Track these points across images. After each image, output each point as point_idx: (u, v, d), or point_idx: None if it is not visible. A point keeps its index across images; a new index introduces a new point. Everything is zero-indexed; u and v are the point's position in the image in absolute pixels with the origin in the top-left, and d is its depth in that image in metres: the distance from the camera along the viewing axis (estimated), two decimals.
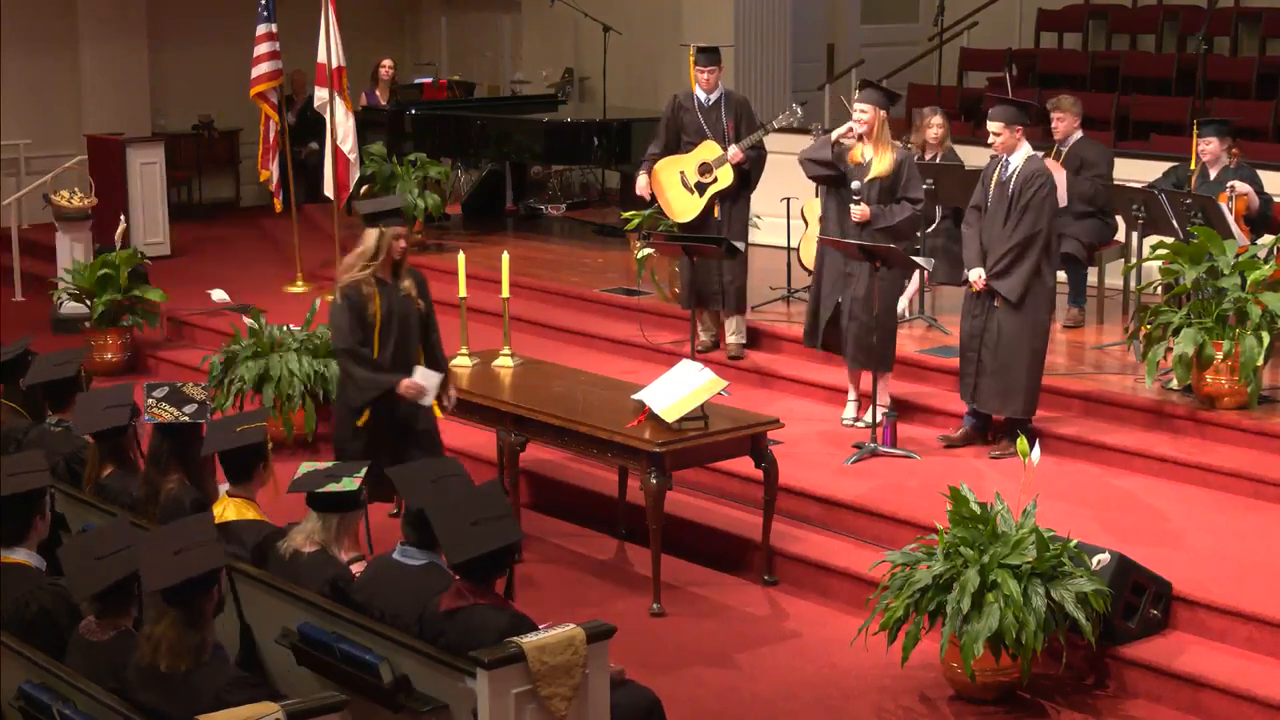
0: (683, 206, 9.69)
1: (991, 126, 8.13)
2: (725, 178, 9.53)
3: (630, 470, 7.95)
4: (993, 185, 8.18)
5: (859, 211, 8.53)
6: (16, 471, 5.97)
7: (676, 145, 9.68)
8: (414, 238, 12.87)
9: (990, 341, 8.23)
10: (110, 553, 5.20)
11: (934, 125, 9.84)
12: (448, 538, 5.42)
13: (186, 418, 6.55)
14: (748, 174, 9.65)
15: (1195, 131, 9.41)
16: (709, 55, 9.54)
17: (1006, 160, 8.15)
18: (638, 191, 9.92)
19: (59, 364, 7.55)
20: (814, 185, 9.63)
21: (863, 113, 8.58)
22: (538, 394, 8.22)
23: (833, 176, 8.71)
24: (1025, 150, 8.15)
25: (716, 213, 9.60)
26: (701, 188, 9.67)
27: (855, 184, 8.76)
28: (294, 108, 14.64)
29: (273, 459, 6.74)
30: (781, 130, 10.50)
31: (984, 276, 8.15)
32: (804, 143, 10.40)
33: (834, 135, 9.07)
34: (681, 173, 9.66)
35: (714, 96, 9.64)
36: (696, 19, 14.50)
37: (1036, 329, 8.30)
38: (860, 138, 8.59)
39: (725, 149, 9.58)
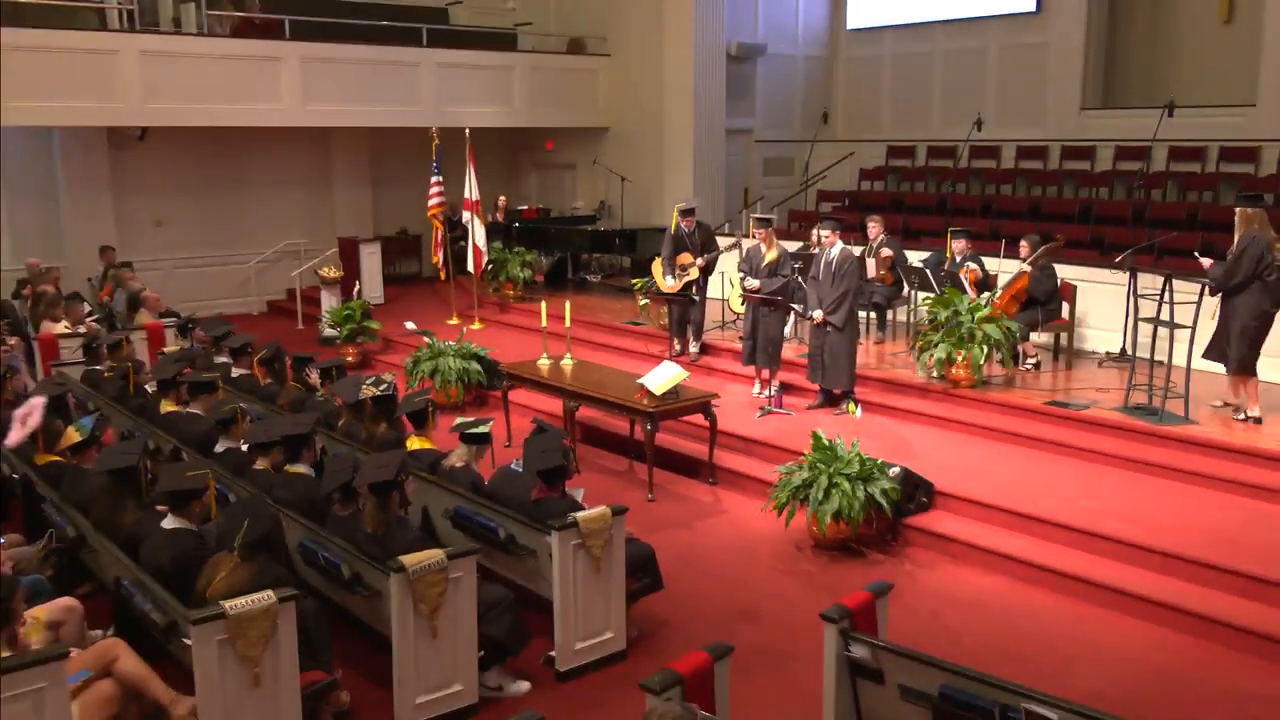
0: (668, 286, 12.22)
1: (823, 232, 10.50)
2: (694, 274, 12.10)
3: (636, 421, 9.52)
4: (822, 264, 10.38)
5: (753, 285, 10.73)
6: (300, 427, 7.25)
7: (676, 253, 12.07)
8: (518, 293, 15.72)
9: (827, 349, 10.35)
10: (343, 467, 6.61)
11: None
12: (528, 459, 6.83)
13: (386, 391, 8.40)
14: (707, 267, 12.20)
15: (950, 236, 11.81)
16: (687, 213, 12.07)
17: (829, 251, 10.33)
18: (665, 288, 11.95)
19: (334, 362, 9.77)
20: (735, 264, 11.96)
21: (758, 232, 10.90)
22: (585, 379, 9.93)
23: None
24: (840, 244, 10.40)
25: (694, 290, 12.07)
26: (680, 277, 12.15)
27: (742, 274, 10.84)
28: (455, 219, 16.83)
29: (438, 415, 8.15)
30: (718, 233, 12.95)
31: (821, 314, 10.26)
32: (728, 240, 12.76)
33: (746, 248, 11.14)
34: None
35: (690, 228, 12.09)
36: (674, 172, 18.55)
37: (851, 341, 10.43)
38: (762, 244, 10.80)
39: (695, 257, 12.03)
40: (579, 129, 19.65)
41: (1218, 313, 9.29)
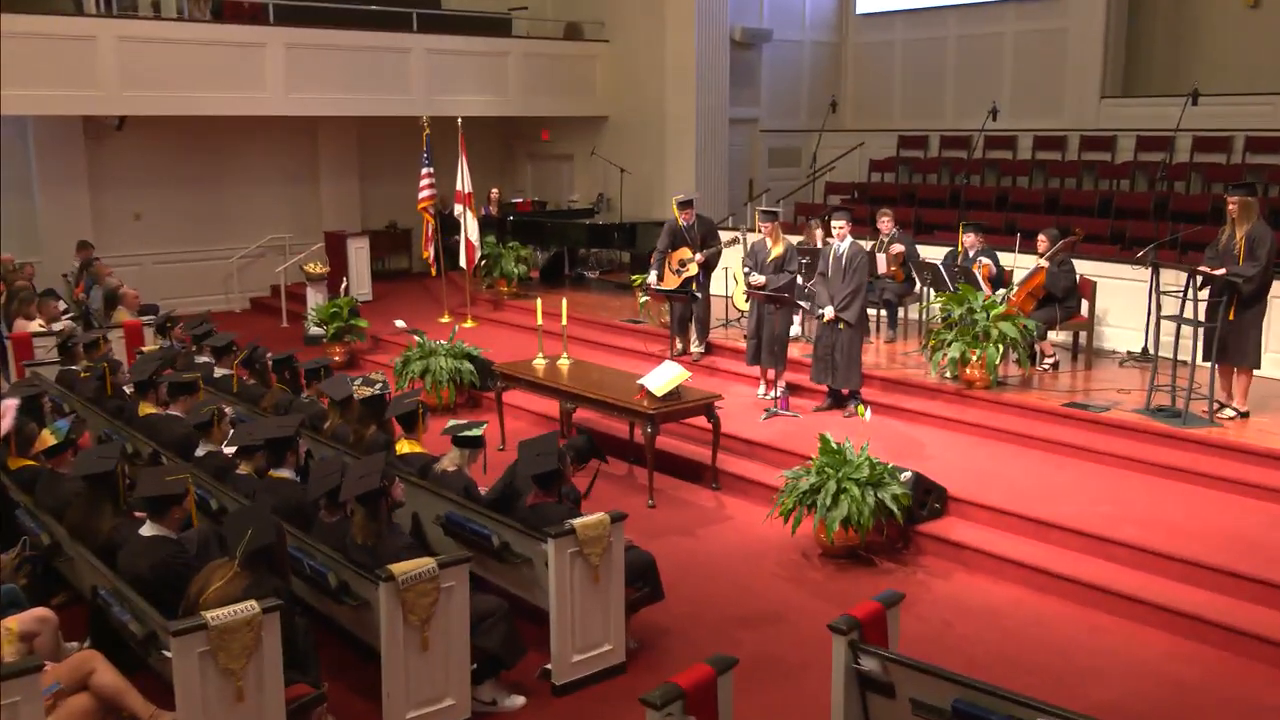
0: (668, 282, 12.35)
1: (837, 223, 10.51)
2: (693, 270, 12.24)
3: (636, 423, 9.65)
4: (831, 259, 10.58)
5: (758, 281, 10.92)
6: (281, 429, 7.28)
7: (673, 247, 12.26)
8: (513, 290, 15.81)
9: (839, 348, 10.48)
10: (330, 471, 6.71)
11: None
12: (521, 463, 6.99)
13: (379, 391, 8.50)
14: (708, 263, 12.39)
15: (961, 229, 11.89)
16: (686, 206, 12.20)
17: (839, 245, 10.44)
18: (651, 284, 12.30)
19: (321, 363, 9.94)
20: (739, 259, 12.36)
21: (763, 226, 11.11)
22: (582, 380, 10.13)
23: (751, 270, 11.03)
24: (850, 238, 10.55)
25: (695, 287, 12.17)
26: (679, 273, 12.31)
27: (747, 270, 11.05)
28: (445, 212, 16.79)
29: (429, 417, 8.42)
30: (721, 226, 13.22)
31: (833, 311, 10.43)
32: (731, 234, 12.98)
33: (751, 242, 11.28)
34: (667, 263, 12.37)
35: (690, 221, 12.15)
36: (675, 163, 18.19)
37: (861, 338, 10.66)
38: (767, 238, 11.05)
39: (694, 253, 12.19)
40: (576, 118, 19.78)
41: (1235, 312, 9.35)
